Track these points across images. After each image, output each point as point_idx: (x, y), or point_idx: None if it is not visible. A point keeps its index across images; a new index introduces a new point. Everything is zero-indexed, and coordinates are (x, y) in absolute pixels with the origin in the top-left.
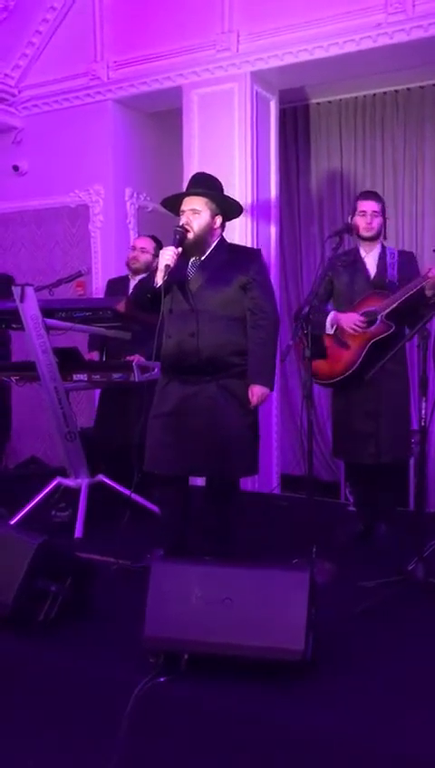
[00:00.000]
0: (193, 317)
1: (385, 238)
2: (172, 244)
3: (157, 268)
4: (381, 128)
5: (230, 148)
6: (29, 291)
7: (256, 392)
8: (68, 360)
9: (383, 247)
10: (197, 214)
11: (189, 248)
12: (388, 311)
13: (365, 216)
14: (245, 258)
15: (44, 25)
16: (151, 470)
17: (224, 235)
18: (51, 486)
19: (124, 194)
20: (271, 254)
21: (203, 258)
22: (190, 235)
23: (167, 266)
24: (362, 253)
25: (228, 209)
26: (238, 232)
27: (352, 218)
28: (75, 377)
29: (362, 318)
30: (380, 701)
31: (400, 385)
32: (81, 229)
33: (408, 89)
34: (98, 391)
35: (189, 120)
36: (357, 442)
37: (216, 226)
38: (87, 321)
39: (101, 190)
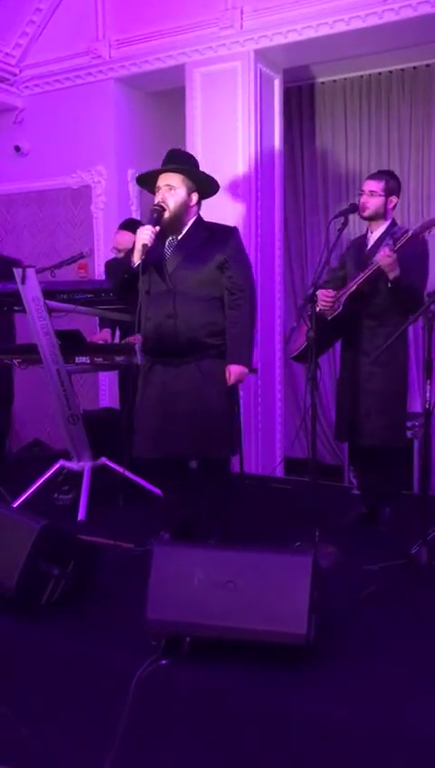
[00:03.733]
0: (170, 298)
1: (384, 216)
2: (149, 223)
3: (133, 247)
4: (387, 107)
5: (234, 127)
6: (30, 273)
7: (234, 371)
8: (70, 342)
9: (390, 227)
10: (173, 190)
11: (166, 227)
12: (347, 293)
13: (363, 195)
14: (221, 236)
15: (45, 3)
16: (139, 455)
17: (222, 216)
18: (54, 469)
19: (127, 174)
20: (275, 236)
21: (180, 237)
22: (166, 214)
23: (144, 246)
24: (369, 233)
25: (205, 186)
26: (241, 212)
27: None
28: (78, 359)
29: (330, 294)
30: (382, 684)
31: (388, 371)
32: (83, 210)
33: (414, 67)
34: (102, 374)
35: (192, 99)
36: (353, 423)
37: (192, 204)
38: (89, 302)
39: (103, 171)
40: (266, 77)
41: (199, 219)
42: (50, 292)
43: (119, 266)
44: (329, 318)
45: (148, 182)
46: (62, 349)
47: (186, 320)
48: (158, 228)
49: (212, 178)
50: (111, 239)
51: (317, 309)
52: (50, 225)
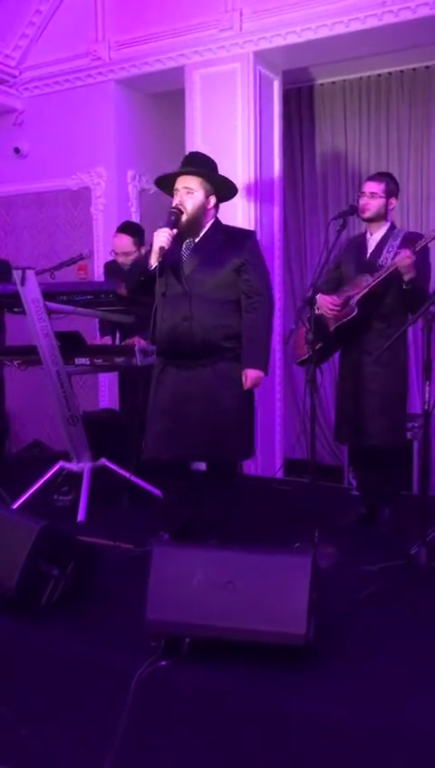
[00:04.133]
0: (186, 300)
1: (385, 218)
2: (166, 225)
3: (150, 250)
4: (387, 109)
5: (233, 129)
6: (30, 274)
7: (250, 375)
8: (70, 343)
9: (390, 229)
10: (190, 193)
11: (184, 229)
12: (360, 296)
13: (363, 197)
14: (239, 240)
15: (45, 5)
16: (151, 457)
17: (221, 216)
18: (53, 470)
19: (126, 176)
20: (274, 237)
21: (197, 240)
22: (184, 216)
23: (161, 248)
24: (368, 235)
25: (223, 189)
26: (241, 214)
27: (358, 200)
28: (77, 361)
29: (335, 300)
30: (381, 685)
31: (390, 372)
32: (82, 212)
33: (413, 69)
34: (102, 375)
35: (192, 100)
36: (353, 425)
37: (210, 207)
38: (89, 304)
39: (102, 172)
40: (266, 79)
41: (217, 222)
42: (50, 294)
43: (136, 267)
44: (343, 321)
45: (166, 184)
46: (62, 350)
47: (201, 322)
48: (175, 231)
49: (230, 181)
50: (110, 241)
51: (318, 312)
52: (49, 227)
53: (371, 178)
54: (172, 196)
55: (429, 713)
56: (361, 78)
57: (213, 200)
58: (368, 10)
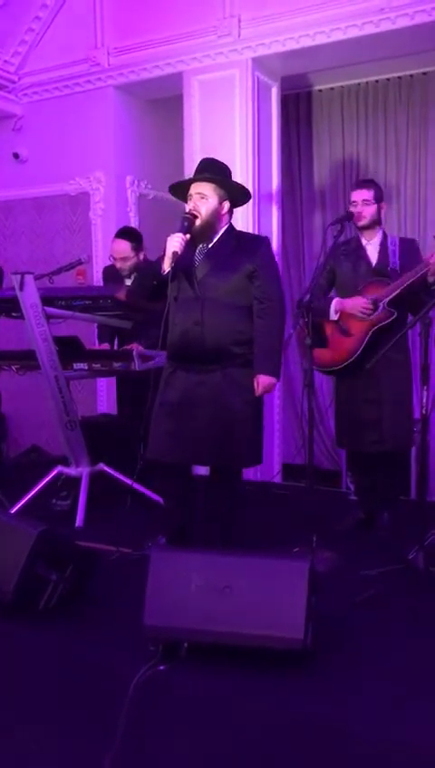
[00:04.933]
0: (198, 305)
1: (379, 224)
2: (180, 230)
3: (163, 255)
4: (384, 115)
5: (232, 135)
6: (29, 279)
7: (262, 382)
8: (68, 348)
9: (385, 235)
10: (204, 199)
11: (197, 234)
12: (390, 297)
13: (356, 207)
14: (252, 246)
15: (44, 11)
16: (155, 458)
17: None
18: (52, 475)
19: (125, 181)
20: (273, 242)
21: (210, 245)
22: (198, 221)
23: (174, 253)
24: (364, 241)
25: (236, 195)
26: (240, 219)
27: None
28: (76, 365)
29: (368, 301)
30: (379, 690)
31: (401, 372)
32: (81, 217)
33: (411, 75)
34: (101, 380)
35: (190, 106)
36: (359, 430)
37: (223, 212)
38: (87, 309)
39: (101, 177)
40: (264, 85)
41: (231, 227)
42: (48, 299)
43: (147, 272)
44: (382, 324)
45: (180, 191)
46: (61, 355)
47: (213, 327)
48: (188, 236)
49: (244, 187)
50: (109, 246)
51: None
52: (48, 232)
53: (359, 186)
54: (186, 202)
55: (427, 717)
56: (359, 84)
57: (227, 206)
58: (366, 17)
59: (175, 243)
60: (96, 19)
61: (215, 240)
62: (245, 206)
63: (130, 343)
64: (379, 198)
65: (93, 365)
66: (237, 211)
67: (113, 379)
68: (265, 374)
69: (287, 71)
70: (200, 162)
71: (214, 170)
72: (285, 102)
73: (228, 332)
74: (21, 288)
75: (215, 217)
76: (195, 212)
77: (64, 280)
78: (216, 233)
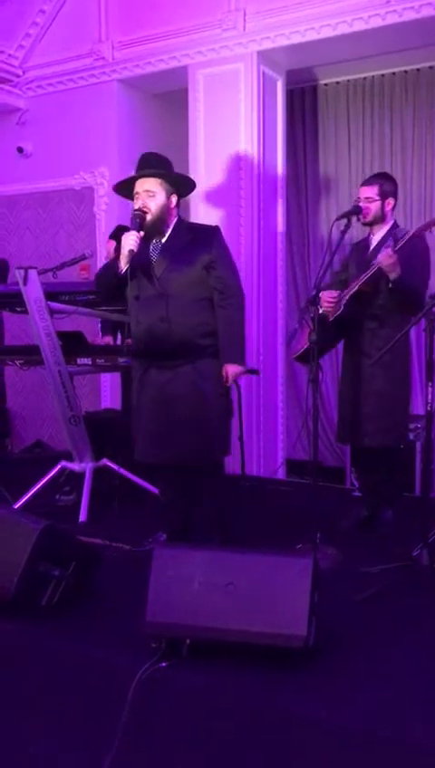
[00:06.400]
0: (163, 301)
1: (384, 219)
2: (133, 229)
3: (118, 255)
4: (390, 109)
5: (236, 129)
6: (32, 274)
7: (231, 371)
8: (72, 343)
9: (391, 229)
10: (152, 195)
11: (149, 230)
12: (349, 294)
13: (360, 203)
14: (205, 236)
15: (48, 5)
16: (141, 461)
17: (228, 217)
18: (55, 470)
19: None
20: (277, 237)
21: (164, 240)
22: (149, 217)
23: (130, 251)
24: (371, 236)
25: (182, 187)
26: (244, 214)
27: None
28: (79, 361)
29: (333, 295)
30: (382, 688)
31: (390, 373)
32: (85, 212)
33: (417, 69)
34: (104, 375)
35: (195, 100)
36: (351, 425)
37: (172, 206)
38: (91, 304)
39: (105, 172)
40: (269, 79)
41: (181, 220)
42: (52, 294)
43: (106, 272)
44: (331, 319)
45: (125, 189)
46: (64, 350)
47: (179, 322)
48: (142, 233)
49: (188, 178)
50: None
51: (320, 310)
52: (52, 227)
53: (364, 183)
54: (132, 200)
55: (430, 715)
56: (364, 78)
57: (175, 199)
58: (372, 10)
59: (130, 241)
60: (100, 13)
61: (167, 234)
62: (249, 200)
63: (130, 338)
64: (384, 194)
65: (97, 360)
66: (242, 206)
67: (117, 374)
68: (232, 363)
69: (293, 64)
70: (141, 157)
71: (156, 165)
72: (290, 97)
73: (195, 325)
74: (25, 283)
75: (165, 212)
76: (144, 209)
77: (68, 275)
78: (168, 227)
